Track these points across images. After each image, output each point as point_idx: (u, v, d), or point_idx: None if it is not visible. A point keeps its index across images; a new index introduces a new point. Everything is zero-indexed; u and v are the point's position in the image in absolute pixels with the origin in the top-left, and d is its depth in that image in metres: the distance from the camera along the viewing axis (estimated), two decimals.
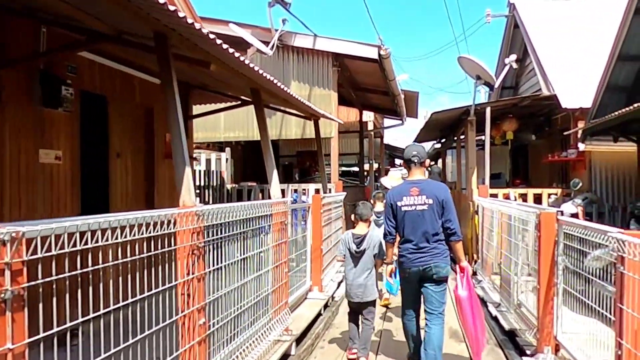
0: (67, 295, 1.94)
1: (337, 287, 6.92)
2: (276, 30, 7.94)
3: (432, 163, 15.17)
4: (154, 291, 2.61)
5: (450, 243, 3.92)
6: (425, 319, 3.95)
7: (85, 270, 2.07)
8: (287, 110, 7.70)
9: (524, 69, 11.49)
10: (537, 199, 8.15)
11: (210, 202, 9.40)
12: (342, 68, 9.12)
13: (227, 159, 10.70)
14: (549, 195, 8.30)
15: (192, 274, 2.81)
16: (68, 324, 2.00)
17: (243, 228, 3.75)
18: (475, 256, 8.13)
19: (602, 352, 3.30)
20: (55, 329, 1.93)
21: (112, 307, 2.25)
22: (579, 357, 3.59)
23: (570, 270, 3.92)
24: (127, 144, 5.93)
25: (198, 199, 9.64)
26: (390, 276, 4.42)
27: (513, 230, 5.44)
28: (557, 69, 8.78)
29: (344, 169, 17.59)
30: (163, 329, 2.68)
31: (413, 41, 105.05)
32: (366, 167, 15.63)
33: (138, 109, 6.18)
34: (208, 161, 10.86)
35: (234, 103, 7.38)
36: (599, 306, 3.32)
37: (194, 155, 9.81)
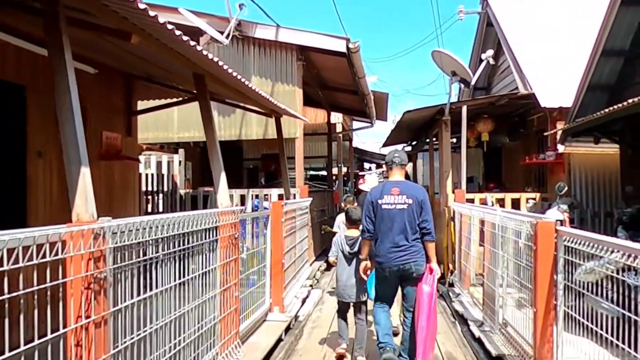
0: None
1: (302, 305, 6.17)
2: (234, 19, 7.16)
3: None
4: (26, 347, 1.81)
5: (424, 242, 4.00)
6: (404, 315, 4.10)
7: None
8: (246, 106, 6.93)
9: (497, 69, 11.07)
10: (515, 204, 7.65)
11: (161, 209, 8.47)
12: (308, 64, 8.42)
13: (180, 162, 9.75)
14: (527, 199, 7.81)
15: (88, 317, 2.01)
16: None
17: (177, 246, 2.97)
18: (451, 266, 7.55)
19: None
20: None
21: None
22: None
23: (570, 289, 3.38)
24: (52, 141, 5.01)
25: (149, 205, 8.71)
26: (365, 273, 4.30)
27: (497, 241, 4.86)
28: (534, 66, 8.30)
29: (312, 172, 16.99)
30: None
31: (380, 43, 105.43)
32: (335, 171, 15.08)
33: None
34: (159, 164, 9.88)
35: (185, 97, 6.54)
36: (597, 327, 2.94)
37: (143, 156, 8.88)
